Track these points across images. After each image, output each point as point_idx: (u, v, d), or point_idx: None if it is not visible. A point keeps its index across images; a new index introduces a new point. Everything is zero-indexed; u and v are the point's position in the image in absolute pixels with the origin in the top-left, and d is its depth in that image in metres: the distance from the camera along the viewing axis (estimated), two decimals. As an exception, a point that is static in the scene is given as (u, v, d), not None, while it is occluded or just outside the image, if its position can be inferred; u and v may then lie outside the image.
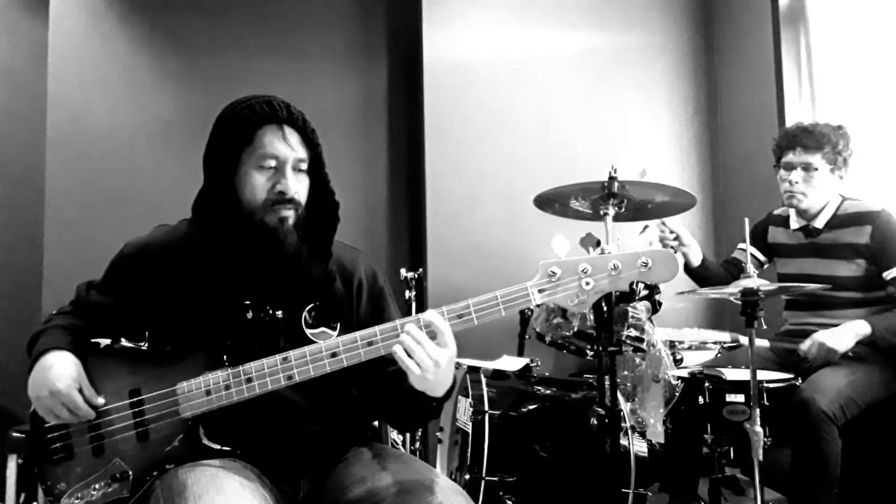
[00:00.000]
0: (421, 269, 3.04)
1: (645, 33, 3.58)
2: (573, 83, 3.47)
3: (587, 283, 1.24)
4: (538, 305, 1.49)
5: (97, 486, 1.31)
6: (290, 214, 1.36)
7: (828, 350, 2.16)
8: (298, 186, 1.37)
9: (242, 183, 1.36)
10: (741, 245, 2.64)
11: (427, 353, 1.20)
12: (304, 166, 1.39)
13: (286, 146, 1.35)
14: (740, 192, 3.46)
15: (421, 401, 1.29)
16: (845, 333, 2.19)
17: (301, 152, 1.37)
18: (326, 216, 1.44)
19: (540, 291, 1.24)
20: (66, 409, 1.30)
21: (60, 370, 1.31)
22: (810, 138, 2.36)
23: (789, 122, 3.00)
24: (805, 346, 2.21)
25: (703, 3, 3.66)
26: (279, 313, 1.39)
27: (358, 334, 1.26)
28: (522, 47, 3.45)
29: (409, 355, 1.20)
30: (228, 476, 1.22)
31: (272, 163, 1.35)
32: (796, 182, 2.37)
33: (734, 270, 2.59)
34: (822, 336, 2.19)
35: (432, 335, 1.22)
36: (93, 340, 1.41)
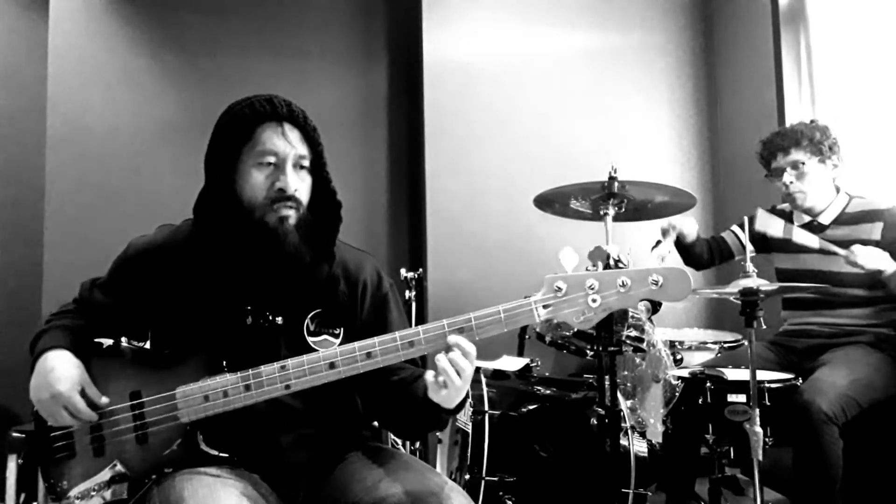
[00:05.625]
0: (421, 269, 3.04)
1: (645, 33, 3.58)
2: (573, 83, 3.47)
3: (594, 300, 1.19)
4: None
5: (97, 487, 1.31)
6: (290, 213, 1.34)
7: (866, 257, 2.12)
8: (299, 184, 1.36)
9: (243, 181, 1.35)
10: (733, 228, 2.69)
11: (461, 367, 1.21)
12: (306, 163, 1.38)
13: (285, 142, 1.34)
14: (740, 192, 3.46)
15: (434, 411, 1.29)
16: (878, 257, 2.15)
17: (301, 149, 1.36)
18: (328, 216, 1.42)
19: (545, 307, 1.20)
20: (66, 413, 1.29)
21: (62, 372, 1.30)
22: (785, 139, 2.41)
23: (789, 122, 3.00)
24: (848, 253, 2.14)
25: (703, 3, 3.66)
26: (279, 319, 1.38)
27: (357, 345, 1.24)
28: (522, 47, 3.45)
29: (453, 367, 1.20)
30: (226, 489, 1.21)
31: (271, 159, 1.34)
32: (791, 182, 2.39)
33: (717, 249, 2.67)
34: (859, 249, 2.14)
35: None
36: (96, 340, 1.40)
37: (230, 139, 1.35)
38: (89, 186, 3.19)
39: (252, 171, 1.34)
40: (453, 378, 1.20)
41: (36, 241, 3.14)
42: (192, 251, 1.40)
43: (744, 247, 2.54)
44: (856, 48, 2.92)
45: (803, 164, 2.37)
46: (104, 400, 1.32)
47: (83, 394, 1.31)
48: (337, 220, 1.44)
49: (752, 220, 2.36)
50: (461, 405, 1.31)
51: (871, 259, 2.14)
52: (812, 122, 2.45)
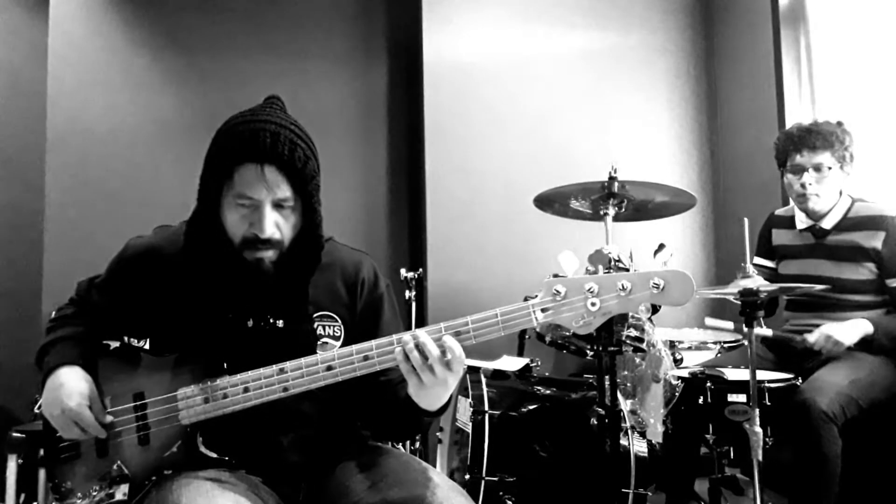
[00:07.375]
0: (421, 269, 3.04)
1: (645, 33, 3.58)
2: (573, 83, 3.48)
3: (593, 304, 1.16)
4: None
5: (99, 487, 1.31)
6: (267, 255, 1.32)
7: (835, 342, 2.16)
8: (279, 224, 1.31)
9: (226, 212, 1.32)
10: (756, 260, 2.59)
11: (436, 371, 1.18)
12: (288, 204, 1.31)
13: (263, 186, 1.27)
14: (740, 192, 3.46)
15: (415, 413, 1.28)
16: (851, 328, 2.19)
17: (282, 192, 1.28)
18: (307, 258, 1.38)
19: (543, 311, 1.18)
20: (77, 427, 1.30)
21: (71, 387, 1.31)
22: (818, 138, 2.32)
23: (789, 122, 3.00)
24: (812, 337, 2.20)
25: (703, 2, 3.66)
26: (280, 323, 1.38)
27: (354, 348, 1.24)
28: (522, 47, 3.45)
29: (416, 368, 1.18)
30: (224, 495, 1.21)
31: (248, 202, 1.29)
32: (810, 184, 2.33)
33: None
34: (829, 329, 2.19)
35: (443, 353, 1.18)
36: (103, 342, 1.41)
37: (213, 172, 1.32)
38: (89, 186, 3.19)
39: (231, 209, 1.31)
40: (415, 355, 1.18)
41: (36, 242, 3.14)
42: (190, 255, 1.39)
43: (770, 269, 2.55)
44: (856, 48, 2.92)
45: (829, 168, 2.31)
46: (108, 418, 1.33)
47: (91, 409, 1.31)
48: (315, 261, 1.39)
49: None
50: (442, 410, 1.30)
51: (848, 332, 2.18)
52: (840, 123, 2.36)
